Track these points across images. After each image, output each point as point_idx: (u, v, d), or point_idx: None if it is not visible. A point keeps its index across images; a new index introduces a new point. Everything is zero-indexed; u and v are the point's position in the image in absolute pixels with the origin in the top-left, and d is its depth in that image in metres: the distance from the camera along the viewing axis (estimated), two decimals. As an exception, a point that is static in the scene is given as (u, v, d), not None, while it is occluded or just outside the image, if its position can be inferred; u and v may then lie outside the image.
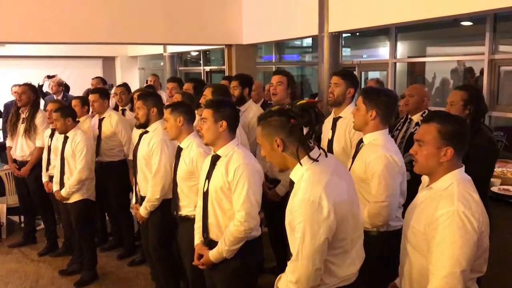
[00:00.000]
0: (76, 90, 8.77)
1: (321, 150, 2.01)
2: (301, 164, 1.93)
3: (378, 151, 2.62)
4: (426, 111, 3.82)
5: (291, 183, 2.00)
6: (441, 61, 7.14)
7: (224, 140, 2.70)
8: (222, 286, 2.75)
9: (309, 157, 1.94)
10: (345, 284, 2.01)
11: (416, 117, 3.82)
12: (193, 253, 3.04)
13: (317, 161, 1.94)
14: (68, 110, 4.40)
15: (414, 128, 3.77)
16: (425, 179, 2.16)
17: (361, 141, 2.80)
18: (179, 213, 3.24)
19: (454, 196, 1.86)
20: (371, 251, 2.24)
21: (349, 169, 2.72)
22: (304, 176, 1.91)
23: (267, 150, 2.02)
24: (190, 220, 3.15)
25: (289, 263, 1.96)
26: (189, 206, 3.19)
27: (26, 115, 5.09)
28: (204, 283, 3.05)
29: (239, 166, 2.58)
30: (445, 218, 1.81)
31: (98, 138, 4.89)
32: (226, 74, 8.09)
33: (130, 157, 4.73)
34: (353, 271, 2.02)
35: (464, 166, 2.00)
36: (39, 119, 5.08)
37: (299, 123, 1.93)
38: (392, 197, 2.60)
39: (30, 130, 5.05)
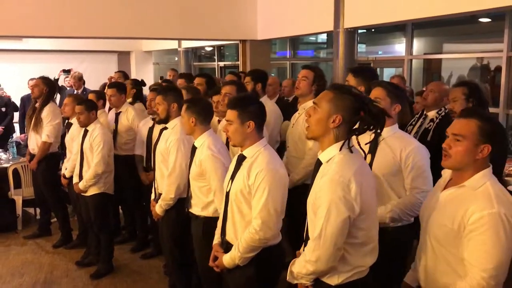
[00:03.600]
0: (92, 84, 8.84)
1: (353, 144, 2.07)
2: (340, 149, 2.00)
3: (413, 143, 2.64)
4: (443, 109, 3.79)
5: (318, 164, 2.08)
6: (458, 58, 7.05)
7: (252, 140, 2.53)
8: None
9: (348, 145, 2.01)
10: (357, 277, 2.05)
11: (432, 114, 3.79)
12: (201, 250, 3.03)
13: (352, 151, 2.02)
14: (92, 104, 4.43)
15: (429, 124, 3.74)
16: (445, 174, 2.12)
17: (378, 134, 2.74)
18: (190, 210, 3.23)
19: (492, 197, 1.85)
20: (386, 246, 2.24)
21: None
22: (335, 158, 1.99)
23: (319, 116, 2.03)
24: (198, 219, 3.16)
25: (309, 242, 2.01)
26: (197, 205, 3.16)
27: (38, 108, 5.13)
28: (214, 281, 3.03)
29: (261, 170, 2.42)
30: (487, 221, 1.81)
31: (115, 132, 4.92)
32: (240, 69, 8.09)
33: (138, 152, 4.79)
34: (366, 263, 2.06)
35: (491, 166, 1.97)
36: (44, 112, 5.08)
37: (366, 120, 1.98)
38: (432, 187, 2.57)
39: (37, 123, 5.08)
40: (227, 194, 2.61)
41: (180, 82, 5.18)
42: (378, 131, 2.02)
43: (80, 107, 4.32)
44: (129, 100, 5.37)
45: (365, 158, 2.13)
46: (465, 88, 3.47)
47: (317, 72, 3.76)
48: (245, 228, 2.49)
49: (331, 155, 2.02)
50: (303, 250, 2.15)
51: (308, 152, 3.56)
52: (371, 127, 2.00)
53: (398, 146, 2.64)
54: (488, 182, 1.91)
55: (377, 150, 2.72)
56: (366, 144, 2.17)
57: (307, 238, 2.11)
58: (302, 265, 2.05)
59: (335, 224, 1.92)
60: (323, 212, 1.93)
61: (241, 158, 2.56)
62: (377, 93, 2.71)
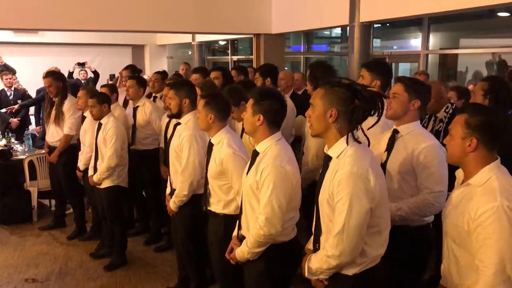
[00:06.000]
0: (106, 78, 8.90)
1: (358, 136, 2.07)
2: (347, 142, 2.01)
3: (428, 141, 2.56)
4: (449, 105, 3.72)
5: (327, 159, 2.08)
6: (475, 53, 6.96)
7: (262, 134, 2.51)
8: (249, 286, 2.68)
9: (353, 137, 2.03)
10: (371, 265, 2.07)
11: (440, 114, 3.72)
12: (219, 248, 2.98)
13: (360, 142, 2.04)
14: (103, 97, 4.43)
15: (439, 125, 3.67)
16: (459, 175, 2.10)
17: (395, 131, 2.68)
18: (209, 208, 3.16)
19: (496, 191, 1.81)
20: (404, 245, 2.24)
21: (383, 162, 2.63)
22: (348, 151, 2.00)
23: (316, 114, 2.08)
24: (217, 217, 3.09)
25: (331, 238, 2.00)
26: (217, 204, 3.08)
27: (57, 102, 5.18)
28: (229, 278, 3.00)
29: (267, 166, 2.39)
30: (490, 214, 1.77)
31: (133, 126, 4.91)
32: (254, 63, 8.07)
33: (162, 145, 4.78)
34: (382, 252, 2.09)
35: (499, 158, 1.94)
36: (65, 106, 5.12)
37: (362, 107, 1.99)
38: (445, 187, 2.54)
39: (59, 117, 5.13)
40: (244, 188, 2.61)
41: (195, 77, 5.06)
42: (379, 113, 2.02)
43: (92, 101, 4.34)
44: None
45: (368, 145, 2.13)
46: (485, 84, 3.31)
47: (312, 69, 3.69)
48: (255, 222, 2.49)
49: (341, 149, 2.03)
50: (317, 246, 2.15)
51: None
52: (372, 113, 2.01)
53: (412, 144, 2.57)
54: (493, 176, 1.86)
55: (393, 147, 2.66)
56: (368, 129, 2.14)
57: (318, 233, 2.13)
58: (323, 261, 2.04)
59: (358, 216, 1.94)
60: (344, 205, 1.94)
61: (255, 154, 2.54)
62: (395, 89, 2.66)
